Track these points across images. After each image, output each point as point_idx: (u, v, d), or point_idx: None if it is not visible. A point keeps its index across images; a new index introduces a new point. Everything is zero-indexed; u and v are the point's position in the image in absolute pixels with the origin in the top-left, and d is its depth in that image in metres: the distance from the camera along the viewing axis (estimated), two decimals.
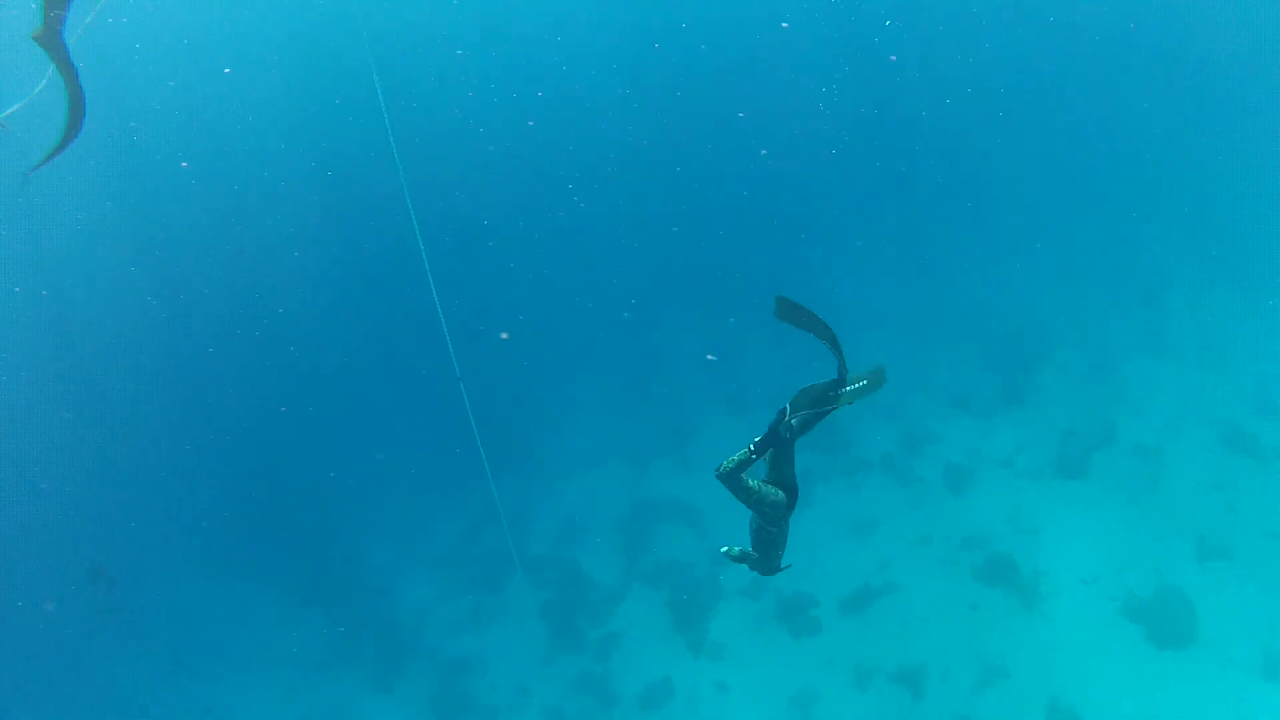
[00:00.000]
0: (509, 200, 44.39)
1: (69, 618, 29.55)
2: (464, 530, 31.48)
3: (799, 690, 23.60)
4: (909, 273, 37.86)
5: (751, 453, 8.48)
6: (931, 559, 25.90)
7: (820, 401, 8.74)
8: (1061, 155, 42.30)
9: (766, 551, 9.24)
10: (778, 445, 8.60)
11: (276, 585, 30.49)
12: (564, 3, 46.13)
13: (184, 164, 40.95)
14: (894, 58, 45.24)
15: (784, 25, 44.98)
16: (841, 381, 8.80)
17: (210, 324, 39.17)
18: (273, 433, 36.05)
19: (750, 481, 8.60)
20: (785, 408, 8.59)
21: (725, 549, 9.41)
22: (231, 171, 42.61)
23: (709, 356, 33.02)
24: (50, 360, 37.58)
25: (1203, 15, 44.51)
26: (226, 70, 40.03)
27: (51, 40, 10.37)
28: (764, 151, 42.95)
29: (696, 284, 40.26)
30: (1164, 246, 34.49)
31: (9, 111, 12.64)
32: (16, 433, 35.24)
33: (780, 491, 8.68)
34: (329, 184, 42.69)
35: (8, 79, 38.66)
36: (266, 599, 30.33)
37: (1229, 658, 21.70)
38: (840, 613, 25.24)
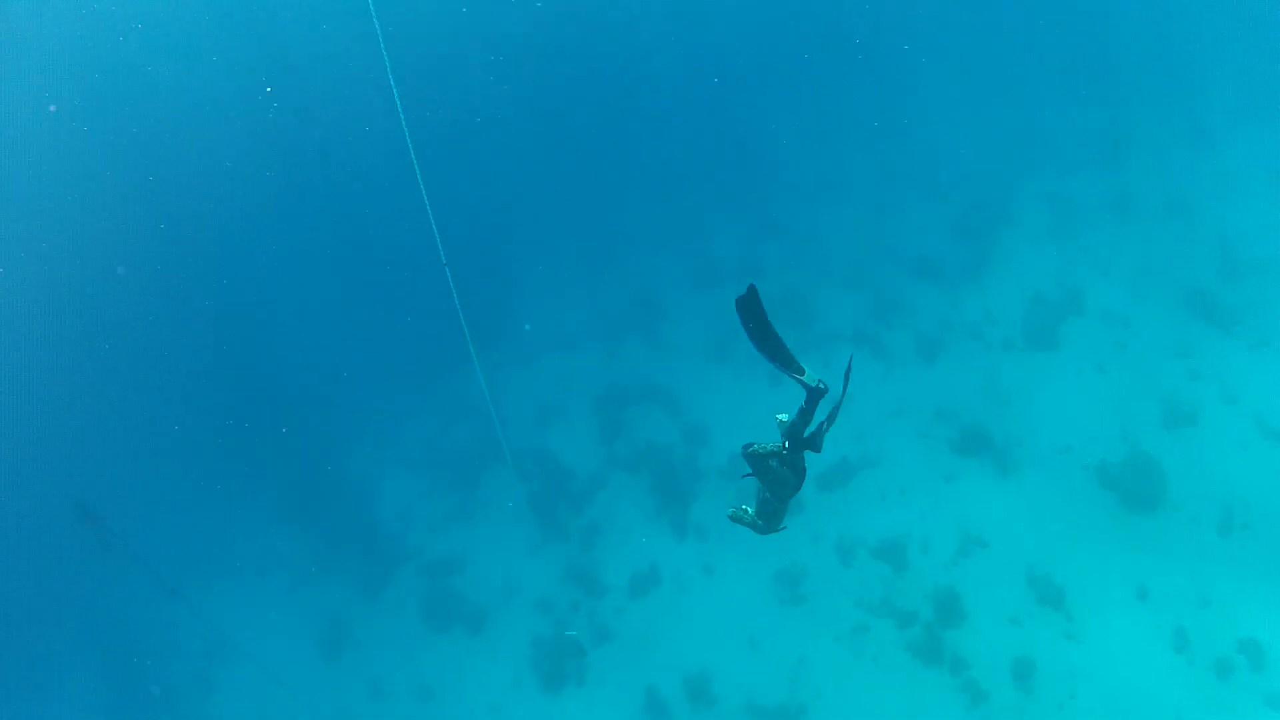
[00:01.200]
0: (474, 85, 41.47)
1: (65, 557, 28.52)
2: (437, 427, 30.68)
3: (784, 568, 24.03)
4: (869, 139, 36.89)
5: (784, 448, 9.36)
6: (907, 431, 26.20)
7: (807, 416, 9.25)
8: (1019, 15, 40.95)
9: (769, 518, 10.05)
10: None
11: (258, 499, 29.69)
12: None
13: None
14: None
15: None
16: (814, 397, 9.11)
17: (172, 235, 36.35)
18: (243, 344, 34.64)
19: (772, 461, 9.47)
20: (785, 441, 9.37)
21: (731, 511, 10.08)
22: None
23: None
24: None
25: None
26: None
27: None
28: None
29: (656, 160, 38.57)
30: (1126, 105, 34.11)
31: None
32: None
33: (793, 475, 9.59)
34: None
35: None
36: (250, 514, 29.60)
37: (1192, 518, 22.64)
38: (820, 489, 25.45)
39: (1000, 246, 30.29)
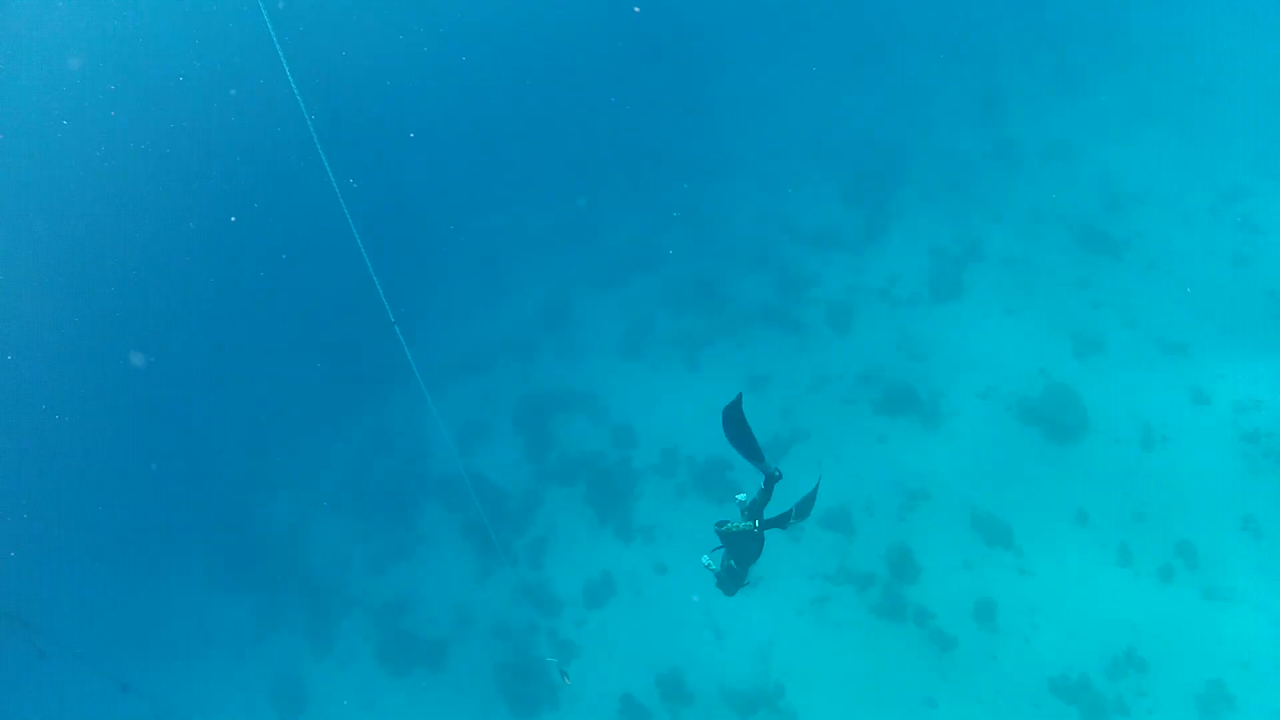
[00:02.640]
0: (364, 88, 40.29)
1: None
2: (357, 465, 29.68)
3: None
4: (754, 115, 37.11)
5: (755, 527, 10.84)
6: (832, 399, 26.46)
7: (766, 497, 10.89)
8: None
9: (731, 579, 11.74)
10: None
11: (187, 570, 28.27)
12: None
13: None
14: None
15: None
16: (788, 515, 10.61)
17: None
18: (144, 410, 32.87)
19: (740, 538, 11.02)
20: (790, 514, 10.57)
21: (706, 561, 11.78)
22: None
23: None
24: None
25: None
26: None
27: None
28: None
29: (545, 160, 38.06)
30: (997, 59, 35.23)
31: None
32: None
33: (756, 548, 11.15)
34: None
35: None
36: (181, 587, 28.20)
37: (1114, 439, 23.44)
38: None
39: (895, 207, 30.85)
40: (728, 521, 11.06)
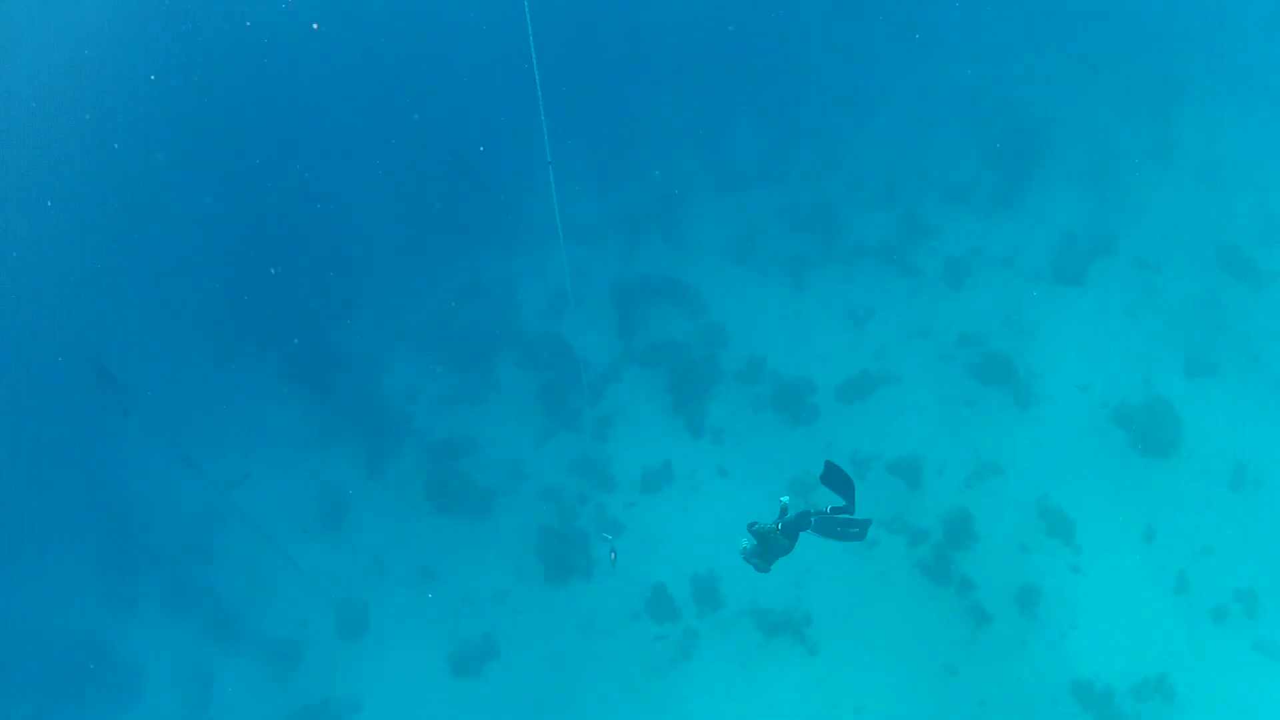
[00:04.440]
0: None
1: (81, 419, 27.83)
2: (446, 306, 29.51)
3: (798, 476, 23.76)
4: (910, 52, 35.52)
5: (777, 528, 12.81)
6: (929, 352, 26.01)
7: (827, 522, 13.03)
8: None
9: (761, 560, 13.21)
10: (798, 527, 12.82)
11: (261, 364, 28.58)
12: None
13: None
14: None
15: None
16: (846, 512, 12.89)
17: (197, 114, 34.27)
18: (258, 217, 33.17)
19: (769, 535, 12.82)
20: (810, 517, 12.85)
21: (743, 546, 13.14)
22: None
23: None
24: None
25: None
26: None
27: None
28: None
29: (683, 55, 36.77)
30: (1180, 52, 33.26)
31: None
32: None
33: (787, 542, 12.94)
34: None
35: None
36: (254, 379, 28.59)
37: (1204, 468, 22.87)
38: (837, 400, 25.23)
39: (1035, 179, 29.71)
40: (756, 522, 13.01)
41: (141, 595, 26.03)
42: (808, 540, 22.44)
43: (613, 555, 19.76)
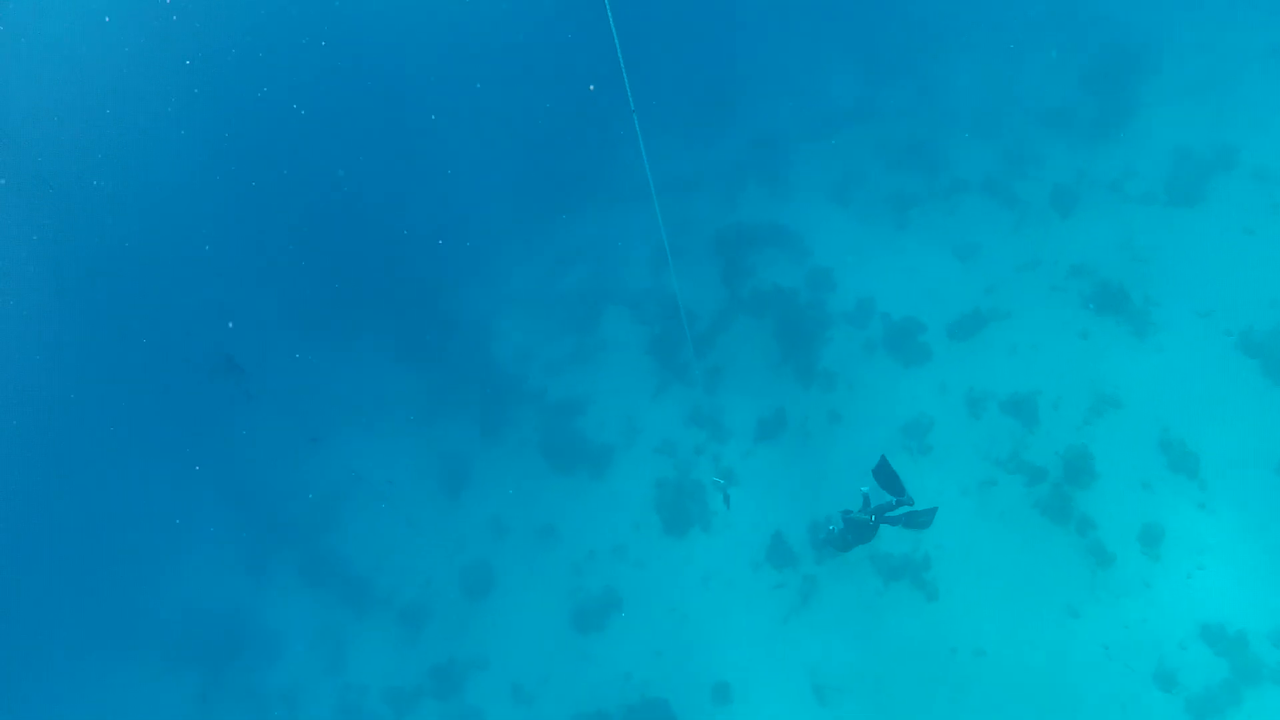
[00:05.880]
0: None
1: (209, 404, 28.85)
2: (547, 269, 29.73)
3: (912, 419, 23.65)
4: None
5: (872, 520, 16.18)
6: (1039, 284, 25.30)
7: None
8: None
9: (843, 544, 16.09)
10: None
11: (377, 340, 29.09)
12: None
13: None
14: None
15: None
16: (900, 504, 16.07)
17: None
18: (360, 199, 33.79)
19: (858, 525, 15.81)
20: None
21: (830, 528, 16.33)
22: None
23: None
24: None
25: None
26: None
27: None
28: None
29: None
30: None
31: None
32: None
33: (872, 532, 15.84)
34: None
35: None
36: (370, 355, 29.18)
37: None
38: (949, 338, 24.85)
39: (1142, 97, 28.32)
40: (851, 511, 15.47)
41: (278, 567, 27.37)
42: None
43: (726, 500, 19.98)
